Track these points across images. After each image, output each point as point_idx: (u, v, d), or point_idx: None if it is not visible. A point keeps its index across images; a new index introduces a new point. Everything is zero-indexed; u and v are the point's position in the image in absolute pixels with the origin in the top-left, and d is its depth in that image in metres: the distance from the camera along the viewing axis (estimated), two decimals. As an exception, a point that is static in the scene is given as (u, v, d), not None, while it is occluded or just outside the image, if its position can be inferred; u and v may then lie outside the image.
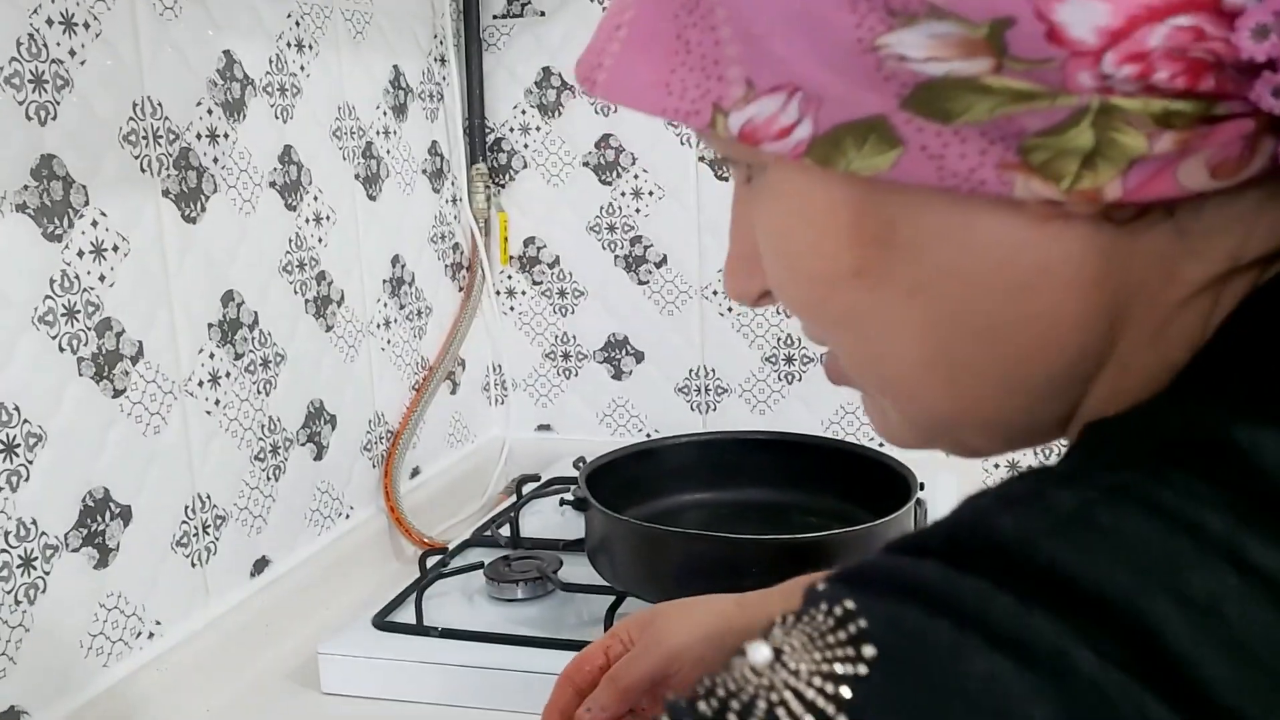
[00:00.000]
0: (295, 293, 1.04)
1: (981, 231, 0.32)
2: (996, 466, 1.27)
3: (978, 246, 0.32)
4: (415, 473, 1.26)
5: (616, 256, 1.35)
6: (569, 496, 1.04)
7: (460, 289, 1.35)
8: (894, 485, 0.93)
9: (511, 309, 1.40)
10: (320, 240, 1.08)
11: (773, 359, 1.32)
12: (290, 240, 1.04)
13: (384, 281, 1.19)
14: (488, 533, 1.09)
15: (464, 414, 1.37)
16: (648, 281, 1.35)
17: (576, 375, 1.40)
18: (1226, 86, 0.28)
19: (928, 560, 0.27)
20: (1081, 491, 0.28)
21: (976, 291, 0.33)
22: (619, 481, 1.00)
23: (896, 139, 0.31)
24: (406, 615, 0.93)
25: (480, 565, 0.98)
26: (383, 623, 0.93)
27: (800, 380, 1.32)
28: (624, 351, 1.37)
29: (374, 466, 1.17)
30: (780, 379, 1.33)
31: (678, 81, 0.34)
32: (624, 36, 0.36)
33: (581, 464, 1.02)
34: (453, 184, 1.33)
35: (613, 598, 0.88)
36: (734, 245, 0.41)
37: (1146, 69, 0.28)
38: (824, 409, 1.31)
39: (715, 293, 1.33)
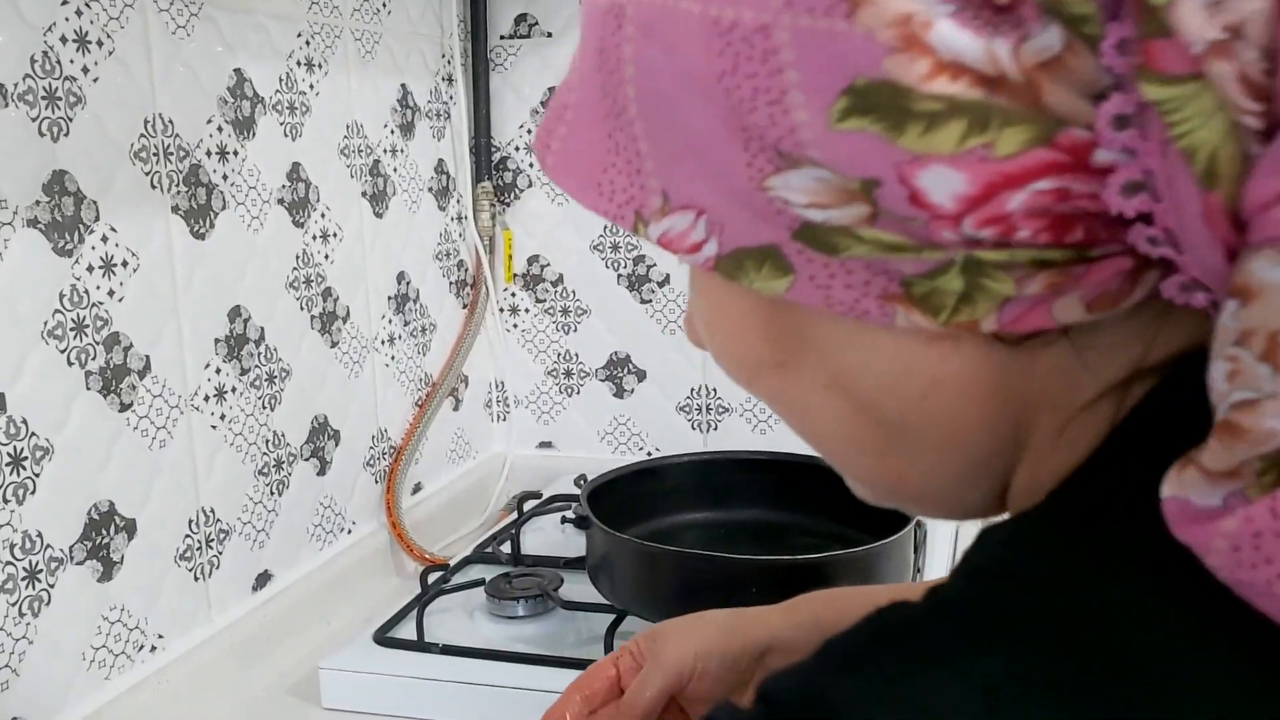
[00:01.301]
0: (301, 309, 1.05)
1: (878, 345, 0.34)
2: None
3: (876, 357, 0.34)
4: (417, 488, 1.27)
5: (619, 275, 1.36)
6: (570, 514, 1.04)
7: (464, 306, 1.36)
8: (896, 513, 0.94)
9: (514, 326, 1.41)
10: (327, 257, 1.09)
11: (774, 379, 1.33)
12: (297, 257, 1.04)
13: (389, 298, 1.20)
14: (489, 550, 1.10)
15: (466, 430, 1.37)
16: (650, 300, 1.35)
17: (578, 393, 1.41)
18: (1098, 235, 0.29)
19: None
20: (910, 653, 0.29)
21: (882, 393, 0.35)
22: (620, 500, 1.01)
23: (788, 266, 0.32)
24: (407, 631, 0.94)
25: (481, 582, 0.99)
26: (384, 638, 0.93)
27: (801, 401, 1.32)
28: (626, 370, 1.38)
29: (376, 482, 1.18)
30: (781, 399, 1.33)
31: (608, 182, 0.35)
32: (570, 119, 0.37)
33: (583, 482, 1.03)
34: (458, 202, 1.34)
35: (613, 616, 0.89)
36: (690, 303, 0.42)
37: (1007, 229, 0.28)
38: (825, 429, 1.32)
39: (717, 313, 1.33)
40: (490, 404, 1.43)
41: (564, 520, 1.07)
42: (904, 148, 0.28)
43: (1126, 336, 0.32)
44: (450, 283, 1.32)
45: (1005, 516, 0.36)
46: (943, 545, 1.11)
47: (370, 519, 1.17)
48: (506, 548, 1.10)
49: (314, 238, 1.07)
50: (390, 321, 1.20)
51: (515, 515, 1.20)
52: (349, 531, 1.13)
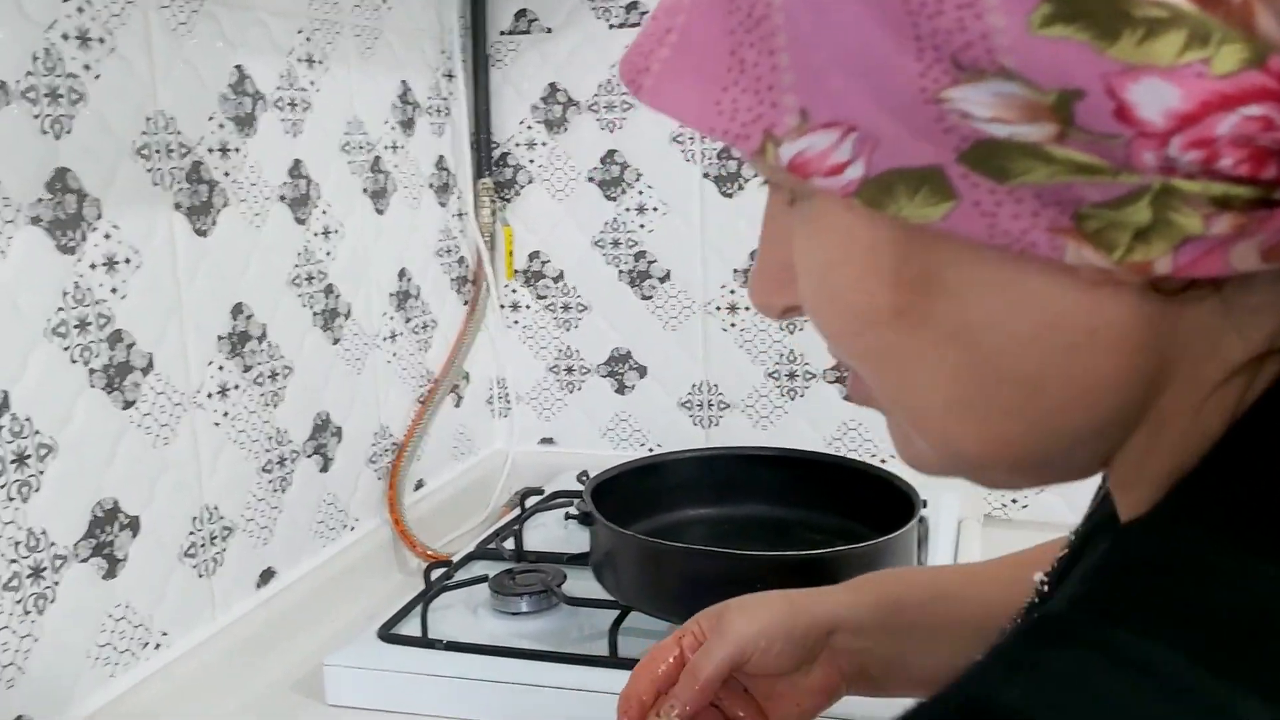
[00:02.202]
0: (304, 306, 1.05)
1: (1030, 289, 0.32)
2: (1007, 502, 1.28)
3: (1024, 303, 0.32)
4: (419, 485, 1.27)
5: (620, 271, 1.36)
6: (574, 510, 1.04)
7: (465, 303, 1.36)
8: (897, 503, 0.94)
9: (516, 323, 1.41)
10: (328, 254, 1.09)
11: (775, 374, 1.33)
12: (299, 254, 1.04)
13: (391, 295, 1.20)
14: (491, 546, 1.10)
15: (468, 427, 1.37)
16: (651, 296, 1.35)
17: (579, 389, 1.41)
18: None
19: None
20: (1076, 652, 0.28)
21: (1018, 345, 0.33)
22: (623, 496, 1.01)
23: (951, 192, 0.30)
24: (412, 628, 0.94)
25: (485, 578, 0.99)
26: (388, 635, 0.93)
27: (803, 396, 1.33)
28: (627, 366, 1.38)
29: (379, 479, 1.18)
30: (783, 394, 1.33)
31: (729, 101, 0.33)
32: (674, 42, 0.34)
33: (585, 478, 1.03)
34: (459, 198, 1.34)
35: (617, 612, 0.89)
36: (764, 258, 0.41)
37: (1212, 155, 0.27)
38: (827, 425, 1.32)
39: (718, 308, 1.33)
40: (492, 400, 1.43)
41: (568, 516, 1.07)
42: (1115, 57, 0.27)
43: (1275, 299, 0.31)
44: (451, 279, 1.32)
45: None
46: (945, 539, 1.11)
47: (373, 515, 1.17)
48: (509, 544, 1.10)
49: (315, 234, 1.07)
50: (392, 318, 1.20)
51: (518, 511, 1.20)
52: (352, 528, 1.13)
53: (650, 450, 1.39)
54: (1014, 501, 1.28)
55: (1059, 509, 1.25)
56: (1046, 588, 0.45)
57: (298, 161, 1.04)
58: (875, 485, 0.97)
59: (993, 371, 0.34)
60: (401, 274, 1.22)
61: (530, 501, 1.22)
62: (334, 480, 1.10)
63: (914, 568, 0.67)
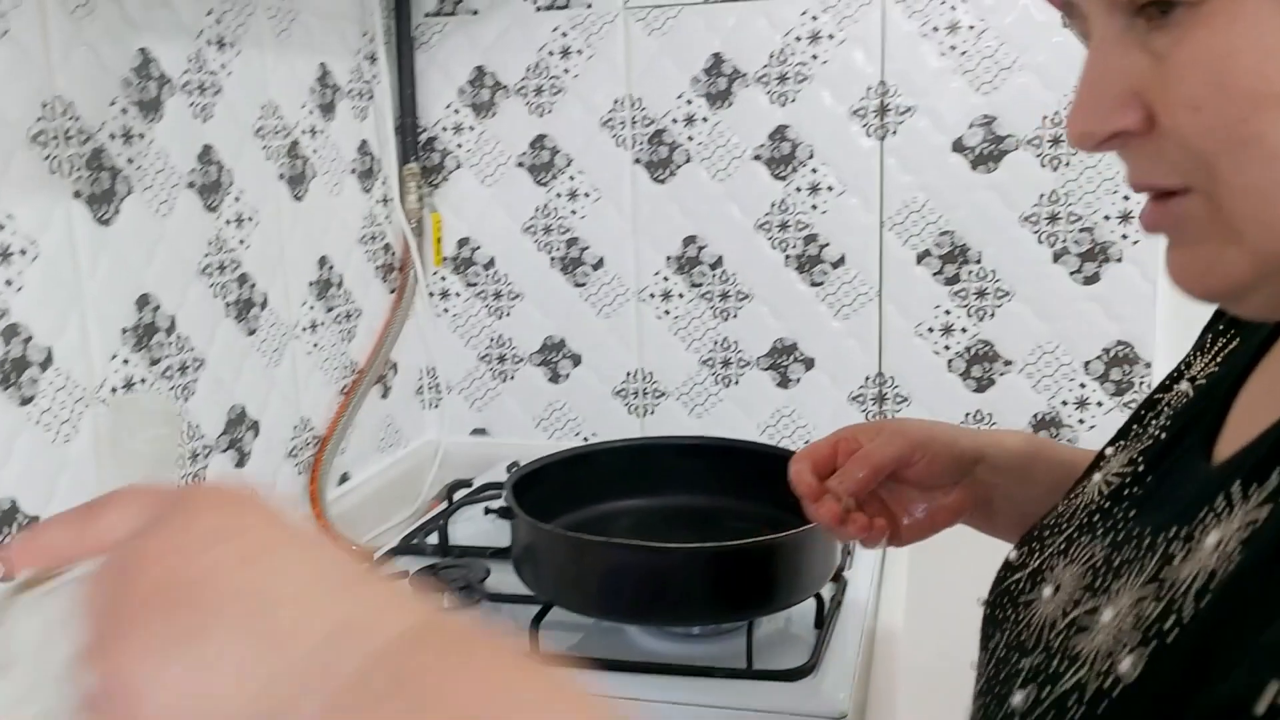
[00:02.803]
0: (215, 296, 1.02)
1: None
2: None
3: None
4: (344, 479, 1.24)
5: (552, 258, 1.33)
6: (494, 505, 1.02)
7: (392, 291, 1.33)
8: (824, 492, 0.93)
9: (445, 311, 1.38)
10: (242, 242, 1.05)
11: (710, 362, 1.32)
12: (210, 242, 1.01)
13: (310, 284, 1.16)
14: (415, 541, 1.07)
15: (396, 418, 1.35)
16: (584, 284, 1.33)
17: (512, 378, 1.38)
18: None
19: None
20: None
21: None
22: (550, 488, 0.99)
23: None
24: (328, 627, 0.91)
25: (405, 575, 0.96)
26: (304, 635, 0.91)
27: (737, 384, 1.31)
28: (561, 354, 1.36)
29: (300, 473, 1.15)
30: (717, 382, 1.32)
31: None
32: None
33: (516, 469, 1.01)
34: (384, 184, 1.30)
35: (538, 607, 0.87)
36: (1093, 86, 0.42)
37: None
38: (760, 413, 1.31)
39: (652, 295, 1.31)
40: (421, 391, 1.41)
41: (488, 511, 1.05)
42: None
43: None
44: (376, 267, 1.29)
45: None
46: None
47: (294, 511, 1.14)
48: (434, 538, 1.07)
49: (228, 222, 1.03)
50: (312, 308, 1.17)
51: (445, 505, 1.17)
52: (272, 524, 1.10)
53: (585, 440, 1.37)
54: (948, 488, 1.28)
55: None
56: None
57: (208, 147, 1.00)
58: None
59: None
60: (322, 262, 1.18)
61: (459, 494, 1.20)
62: (251, 475, 1.07)
63: (1048, 440, 0.72)
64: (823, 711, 0.78)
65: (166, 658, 0.30)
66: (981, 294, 1.23)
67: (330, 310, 1.20)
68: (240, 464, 1.05)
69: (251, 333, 1.07)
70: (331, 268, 1.20)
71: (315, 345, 1.17)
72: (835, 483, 0.65)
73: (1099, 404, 1.22)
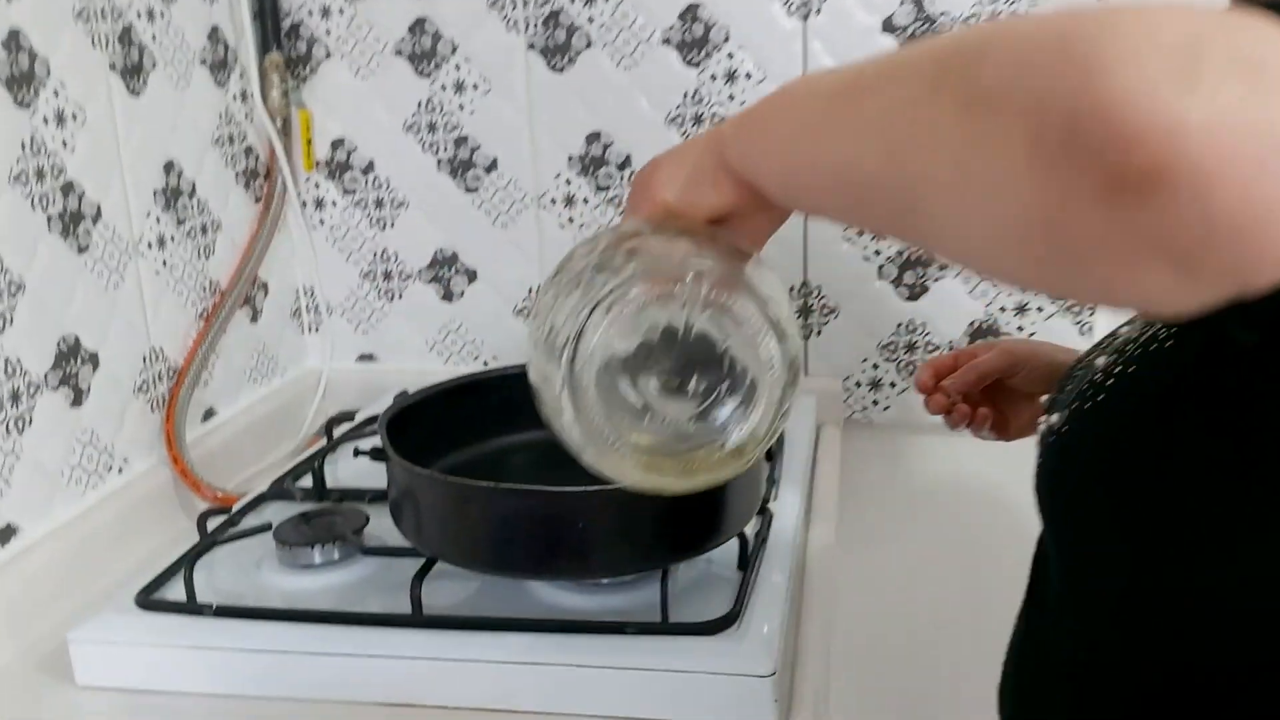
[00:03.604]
0: (33, 208, 0.86)
1: None
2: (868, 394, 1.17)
3: None
4: (209, 415, 1.10)
5: (439, 160, 1.19)
6: (366, 446, 0.90)
7: (257, 200, 1.17)
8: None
9: (321, 222, 1.23)
10: (65, 144, 0.89)
11: (619, 274, 1.19)
12: (23, 145, 0.85)
13: (155, 193, 1.01)
14: (286, 485, 0.94)
15: (270, 345, 1.20)
16: (476, 189, 1.19)
17: (400, 297, 1.24)
18: None
19: None
20: None
21: None
22: (436, 423, 0.86)
23: None
24: (177, 591, 0.78)
25: (267, 527, 0.83)
26: (148, 601, 0.78)
27: (650, 297, 1.19)
28: (453, 270, 1.22)
29: (153, 410, 1.00)
30: (628, 296, 1.20)
31: None
32: None
33: (406, 398, 0.87)
34: (241, 77, 1.14)
35: (422, 560, 0.75)
36: None
37: None
38: (676, 328, 1.19)
39: (553, 201, 1.18)
40: (299, 313, 1.26)
41: (357, 453, 0.92)
42: None
43: None
44: (237, 173, 1.13)
45: None
46: (801, 448, 1.01)
47: (148, 454, 1.00)
48: (308, 481, 0.95)
49: (45, 121, 0.87)
50: (159, 220, 1.01)
51: (324, 442, 1.04)
52: (119, 470, 0.96)
53: (485, 364, 1.25)
54: (875, 404, 1.18)
55: (918, 410, 1.16)
56: None
57: (15, 33, 0.84)
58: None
59: None
60: (169, 167, 1.02)
61: (340, 430, 1.07)
62: (91, 416, 0.92)
63: None
64: (748, 670, 0.67)
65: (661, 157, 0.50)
66: (915, 192, 1.12)
67: (181, 223, 1.04)
68: (76, 403, 0.90)
69: (82, 250, 0.91)
70: (181, 174, 1.04)
71: (164, 264, 1.02)
72: (947, 383, 0.82)
73: (1039, 309, 1.13)
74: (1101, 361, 0.53)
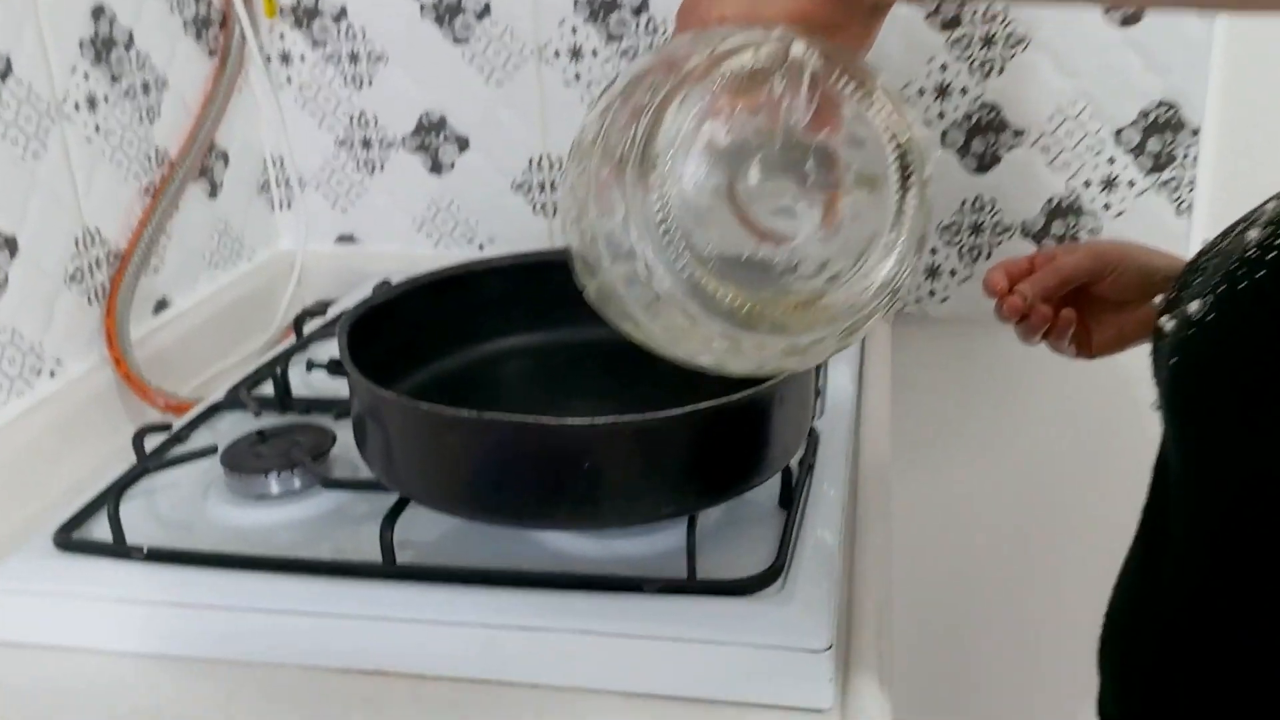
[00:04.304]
0: (-85, 58, 0.70)
1: None
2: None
3: None
4: (161, 307, 0.95)
5: (422, 6, 1.01)
6: (322, 360, 0.75)
7: (211, 53, 1.00)
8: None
9: (289, 80, 1.06)
10: (-46, -22, 0.72)
11: (635, 142, 1.02)
12: (-103, -24, 0.68)
13: (81, 43, 0.84)
14: (241, 395, 0.80)
15: (233, 224, 1.04)
16: (466, 40, 1.01)
17: (382, 169, 1.08)
18: None
19: None
20: None
21: None
22: (414, 324, 0.71)
23: None
24: (102, 529, 0.65)
25: (213, 450, 0.69)
26: (69, 541, 0.64)
27: (671, 169, 1.03)
28: (441, 136, 1.06)
29: (90, 303, 0.86)
30: (645, 168, 1.03)
31: None
32: None
33: (387, 289, 0.73)
34: (184, -97, 0.96)
35: (393, 500, 0.61)
36: None
37: None
38: (701, 206, 1.03)
39: (557, 53, 1.00)
40: (266, 188, 1.10)
41: (311, 367, 0.77)
42: None
43: None
44: (185, 21, 0.96)
45: None
46: (843, 368, 0.86)
47: (85, 354, 0.85)
48: (269, 389, 0.80)
49: (-76, -53, 0.70)
50: (87, 77, 0.85)
51: (291, 342, 0.90)
52: (50, 374, 0.82)
53: (480, 247, 1.09)
54: (931, 295, 1.03)
55: (983, 303, 1.01)
56: None
57: None
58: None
59: None
60: (97, 13, 0.85)
61: (310, 326, 0.92)
62: (10, 311, 0.78)
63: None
64: (797, 642, 0.54)
65: None
66: (989, 42, 0.94)
67: (117, 81, 0.88)
68: (-13, 297, 0.76)
69: (-16, 112, 0.75)
70: (114, 21, 0.87)
71: (97, 129, 0.86)
72: (1024, 285, 0.70)
73: (1130, 183, 0.96)
74: (1254, 235, 0.47)
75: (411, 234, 1.10)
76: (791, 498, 0.64)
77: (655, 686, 0.56)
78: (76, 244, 0.84)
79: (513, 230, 1.07)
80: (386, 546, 0.59)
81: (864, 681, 0.56)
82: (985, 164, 0.98)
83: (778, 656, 0.54)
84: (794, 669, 0.54)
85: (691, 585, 0.57)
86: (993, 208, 0.99)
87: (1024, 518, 1.10)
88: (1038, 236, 0.99)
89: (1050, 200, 0.98)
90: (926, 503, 1.09)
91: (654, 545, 0.61)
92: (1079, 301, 0.72)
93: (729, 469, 0.58)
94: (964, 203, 0.99)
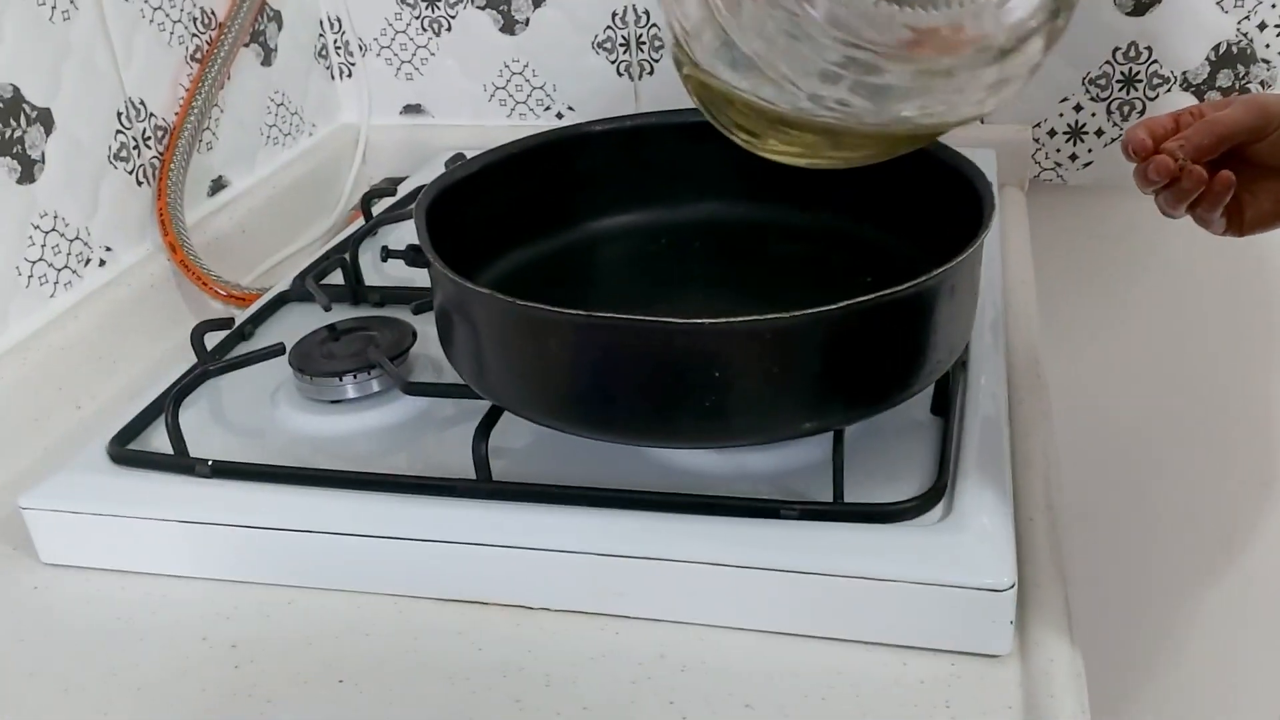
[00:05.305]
0: (-80, -99, 0.60)
1: None
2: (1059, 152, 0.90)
3: None
4: (219, 187, 0.87)
5: None
6: (394, 244, 0.66)
7: (257, -100, 0.89)
8: (946, 189, 0.56)
9: (344, -69, 0.95)
10: None
11: (734, -8, 0.90)
12: None
13: (108, -115, 0.74)
14: (308, 285, 0.72)
15: (290, 95, 0.95)
16: (543, -124, 0.89)
17: (449, 29, 0.97)
18: None
19: None
20: None
21: None
22: (498, 204, 0.62)
23: None
24: (161, 439, 0.58)
25: (281, 349, 0.62)
26: (122, 453, 0.57)
27: (774, 22, 0.90)
28: (517, -10, 0.94)
29: (140, 184, 0.78)
30: (745, 21, 0.91)
31: None
32: None
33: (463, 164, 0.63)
34: None
35: (485, 409, 0.53)
36: None
37: None
38: (809, 64, 0.91)
39: (646, -110, 0.88)
40: (325, 53, 1.00)
41: (386, 255, 0.69)
42: None
43: None
44: None
45: None
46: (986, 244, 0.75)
47: (137, 241, 0.78)
48: (338, 278, 0.72)
49: None
50: (118, -75, 0.75)
51: (359, 225, 0.81)
52: (100, 264, 0.75)
53: (559, 115, 0.99)
54: (1073, 159, 0.91)
55: (1131, 169, 0.89)
56: None
57: None
58: (910, 162, 0.57)
59: None
60: None
61: (379, 207, 0.83)
62: (48, 193, 0.70)
63: None
64: (971, 579, 0.45)
65: None
66: None
67: (152, -70, 0.78)
68: (27, 178, 0.68)
69: (5, -34, 0.66)
70: None
71: (134, -13, 0.76)
72: (1172, 143, 0.57)
73: (1315, 27, 0.82)
74: None
75: (483, 102, 0.99)
76: (948, 403, 0.54)
77: (796, 625, 0.48)
78: (119, 118, 0.76)
79: (595, 96, 0.96)
80: (481, 462, 0.52)
81: (1046, 624, 0.48)
82: (1143, 4, 0.84)
83: (945, 595, 0.46)
84: (966, 610, 0.46)
85: (839, 510, 0.48)
86: (1148, 56, 0.86)
87: (1184, 408, 1.00)
88: (1200, 90, 0.86)
89: (1216, 45, 0.84)
90: (1080, 397, 0.99)
91: (789, 461, 0.52)
92: (1231, 166, 0.59)
93: (886, 374, 0.48)
94: (1115, 50, 0.86)
